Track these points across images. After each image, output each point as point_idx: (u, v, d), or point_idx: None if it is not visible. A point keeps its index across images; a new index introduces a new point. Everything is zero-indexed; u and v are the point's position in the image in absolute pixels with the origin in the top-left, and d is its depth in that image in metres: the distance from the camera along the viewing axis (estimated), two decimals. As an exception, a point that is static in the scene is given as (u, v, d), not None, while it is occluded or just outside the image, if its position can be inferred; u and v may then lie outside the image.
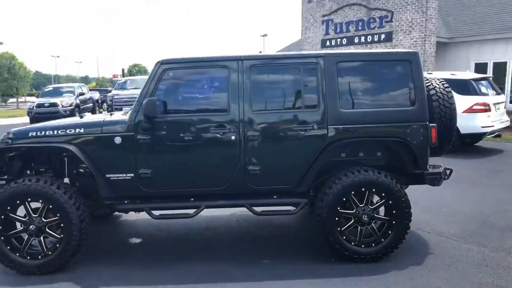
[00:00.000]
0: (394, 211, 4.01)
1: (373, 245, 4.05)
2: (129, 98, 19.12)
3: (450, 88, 4.49)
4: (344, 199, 3.99)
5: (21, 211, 3.98)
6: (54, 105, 17.68)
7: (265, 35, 63.98)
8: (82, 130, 4.06)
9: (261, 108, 4.04)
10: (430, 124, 4.09)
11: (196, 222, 5.35)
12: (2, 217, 3.90)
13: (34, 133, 4.10)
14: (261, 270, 3.97)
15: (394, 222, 4.02)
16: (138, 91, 17.35)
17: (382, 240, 4.04)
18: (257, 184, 4.07)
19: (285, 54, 4.40)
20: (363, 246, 4.04)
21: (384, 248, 4.04)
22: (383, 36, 15.98)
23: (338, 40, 17.61)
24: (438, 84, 4.44)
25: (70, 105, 17.95)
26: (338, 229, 4.01)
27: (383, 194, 4.00)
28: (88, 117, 4.59)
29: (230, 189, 4.09)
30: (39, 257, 3.94)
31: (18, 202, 3.90)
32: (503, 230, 4.83)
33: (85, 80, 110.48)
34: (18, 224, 4.03)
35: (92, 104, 21.02)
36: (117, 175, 4.03)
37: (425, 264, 4.00)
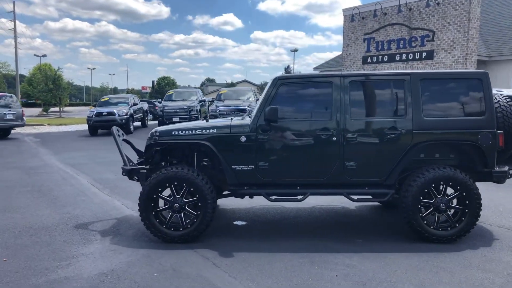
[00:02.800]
0: (467, 202, 4.90)
1: (449, 229, 4.94)
2: (178, 109, 20.59)
3: (512, 102, 5.38)
4: (426, 190, 4.90)
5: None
6: (111, 114, 19.09)
7: (296, 50, 65.30)
8: (215, 131, 5.13)
9: (358, 115, 5.03)
10: (498, 131, 5.00)
11: (285, 212, 6.36)
12: (154, 196, 5.00)
13: (176, 132, 5.21)
14: (357, 246, 4.91)
15: (467, 210, 4.91)
16: (184, 103, 19.00)
17: (457, 225, 4.93)
18: (353, 176, 5.04)
19: (378, 72, 5.40)
20: (440, 229, 4.94)
21: (458, 232, 4.93)
22: (424, 54, 16.80)
23: (380, 57, 18.50)
24: (501, 99, 5.34)
25: (126, 114, 19.33)
26: (420, 215, 4.92)
27: (458, 187, 4.90)
28: (214, 121, 5.67)
29: (330, 180, 5.07)
30: (180, 229, 5.00)
31: (166, 184, 4.98)
32: (556, 224, 5.64)
33: (115, 91, 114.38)
34: (161, 202, 5.11)
35: (142, 114, 22.45)
36: (241, 166, 5.07)
37: (493, 246, 4.87)
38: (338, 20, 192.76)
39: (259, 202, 6.70)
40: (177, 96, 22.65)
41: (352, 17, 19.46)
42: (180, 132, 5.21)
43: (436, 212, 4.97)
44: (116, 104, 20.60)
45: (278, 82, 5.11)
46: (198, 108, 21.33)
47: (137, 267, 4.27)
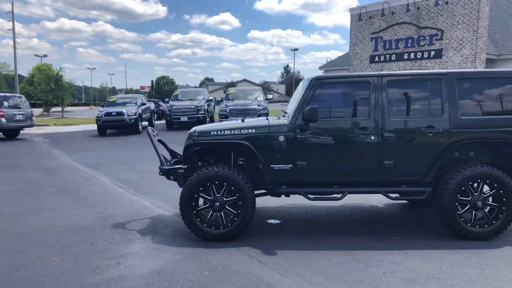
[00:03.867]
0: (504, 199, 4.98)
1: (486, 226, 5.02)
2: (186, 109, 20.66)
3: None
4: (463, 188, 4.98)
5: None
6: (120, 114, 19.12)
7: (296, 49, 65.40)
8: (254, 131, 5.19)
9: (395, 115, 5.10)
10: (534, 130, 5.08)
11: (315, 211, 6.43)
12: (195, 195, 5.06)
13: (215, 132, 5.27)
14: (395, 243, 4.98)
15: (504, 208, 4.99)
16: (192, 102, 19.08)
17: (494, 222, 5.01)
18: (391, 175, 5.11)
19: (414, 72, 5.46)
20: (477, 226, 5.02)
21: (495, 229, 5.00)
22: (432, 53, 16.90)
23: (387, 56, 18.60)
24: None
25: (135, 114, 19.36)
26: (457, 212, 5.00)
27: (495, 185, 4.98)
28: (250, 121, 5.72)
29: (368, 179, 5.14)
30: (221, 227, 5.07)
31: (208, 184, 5.05)
32: None
33: (113, 91, 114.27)
34: (201, 201, 5.17)
35: (149, 114, 22.49)
36: (279, 166, 5.14)
37: (530, 243, 4.95)
38: (335, 19, 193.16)
39: (287, 201, 6.77)
40: (184, 96, 22.69)
41: (359, 16, 19.54)
42: (219, 132, 5.27)
43: (473, 210, 5.05)
44: (124, 104, 20.62)
45: (316, 82, 5.17)
46: (206, 107, 21.38)
47: (186, 266, 4.33)
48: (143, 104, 21.36)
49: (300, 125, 5.09)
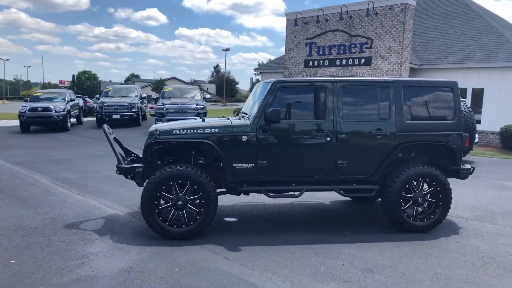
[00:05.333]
0: (440, 196, 5.57)
1: (425, 220, 5.57)
2: (119, 106, 20.02)
3: (471, 110, 6.18)
4: (406, 186, 5.49)
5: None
6: (47, 109, 18.03)
7: (228, 49, 65.71)
8: (217, 130, 5.30)
9: (349, 118, 5.48)
10: (464, 134, 5.73)
11: (269, 209, 6.68)
12: (158, 194, 5.05)
13: (178, 131, 5.30)
14: (347, 236, 5.36)
15: (440, 203, 5.58)
16: (125, 99, 18.64)
17: (432, 216, 5.58)
18: (344, 174, 5.49)
19: (367, 79, 5.88)
20: (418, 220, 5.56)
21: (433, 222, 5.57)
22: (363, 60, 17.99)
23: (321, 61, 19.45)
24: (464, 107, 6.11)
25: (63, 111, 18.36)
26: (402, 208, 5.50)
27: (434, 183, 5.55)
28: (212, 120, 5.80)
29: (323, 177, 5.47)
30: (183, 226, 5.11)
31: (171, 182, 5.06)
32: (500, 214, 6.56)
33: (27, 85, 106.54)
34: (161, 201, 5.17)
35: (78, 110, 21.42)
36: (241, 165, 5.30)
37: (461, 234, 5.58)
38: (263, 22, 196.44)
39: (240, 199, 6.94)
40: (115, 93, 21.88)
41: (295, 21, 20.20)
42: (182, 131, 5.30)
43: (414, 205, 5.58)
44: (51, 99, 19.43)
45: (277, 85, 5.40)
46: (139, 105, 20.85)
47: (153, 264, 4.33)
48: (71, 100, 20.30)
49: (262, 126, 5.29)
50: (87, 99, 31.80)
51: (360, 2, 17.93)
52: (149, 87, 75.06)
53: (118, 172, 5.56)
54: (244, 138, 5.28)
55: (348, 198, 7.27)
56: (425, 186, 5.64)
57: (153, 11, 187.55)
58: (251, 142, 5.29)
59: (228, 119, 5.84)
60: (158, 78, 79.29)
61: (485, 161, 12.36)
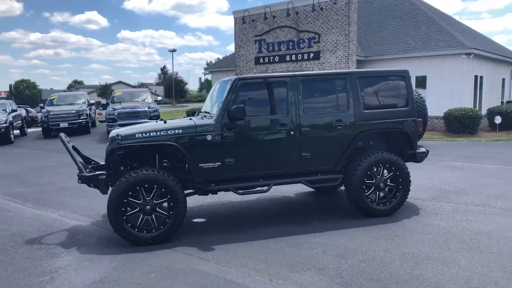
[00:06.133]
0: (400, 180, 5.83)
1: (387, 204, 5.82)
2: (66, 114, 19.27)
3: (423, 96, 6.51)
4: (368, 172, 5.70)
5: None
6: (-13, 121, 17.01)
7: (174, 50, 64.76)
8: (181, 131, 5.24)
9: (310, 111, 5.61)
10: (418, 119, 6.03)
11: (236, 206, 6.70)
12: (125, 201, 4.93)
13: (140, 134, 5.19)
14: (316, 227, 5.49)
15: (400, 187, 5.84)
16: (72, 107, 17.98)
17: (393, 200, 5.83)
18: (308, 166, 5.62)
19: (325, 72, 6.02)
20: (381, 205, 5.80)
21: (395, 205, 5.83)
22: (311, 54, 18.37)
23: (271, 58, 19.66)
24: (415, 94, 6.42)
25: (5, 122, 17.34)
26: (365, 194, 5.71)
27: (393, 168, 5.80)
28: (174, 122, 5.72)
29: (289, 171, 5.57)
30: (154, 230, 5.02)
31: (137, 188, 4.96)
32: (453, 193, 6.97)
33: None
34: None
35: (21, 121, 20.35)
36: (208, 164, 5.28)
37: (422, 214, 5.88)
38: (207, 21, 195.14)
39: (205, 199, 6.92)
40: (60, 101, 20.99)
41: (243, 19, 20.27)
42: (144, 134, 5.19)
43: (376, 191, 5.81)
44: (-10, 111, 18.34)
45: (239, 82, 5.42)
46: (88, 112, 20.15)
47: (128, 271, 4.24)
48: (13, 110, 19.25)
49: (226, 124, 5.29)
50: (29, 108, 30.26)
51: (306, -2, 18.30)
52: (95, 93, 72.49)
53: (80, 181, 5.37)
54: (209, 137, 5.27)
55: (312, 189, 7.43)
56: (385, 171, 5.88)
57: (93, 14, 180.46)
58: (216, 140, 5.29)
59: (190, 119, 5.79)
60: (104, 83, 76.67)
61: (432, 144, 13.03)
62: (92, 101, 22.80)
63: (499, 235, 4.94)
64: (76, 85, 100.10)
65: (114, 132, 5.36)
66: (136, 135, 5.20)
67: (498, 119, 16.00)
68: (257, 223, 5.79)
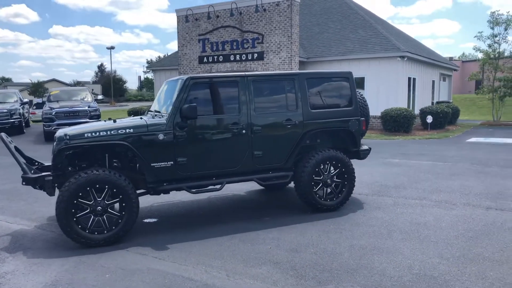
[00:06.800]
0: (346, 176, 6.15)
1: (334, 199, 6.11)
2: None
3: (364, 97, 6.90)
4: (316, 169, 5.96)
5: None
6: None
7: (113, 47, 62.63)
8: (131, 130, 5.18)
9: (261, 110, 5.76)
10: (361, 118, 6.39)
11: (188, 206, 6.71)
12: (75, 202, 4.80)
13: (89, 134, 5.06)
14: (267, 223, 5.65)
15: (346, 183, 6.16)
16: (4, 106, 17.05)
17: (339, 195, 6.14)
18: (260, 163, 5.77)
19: (275, 72, 6.18)
20: (328, 200, 6.08)
21: (341, 201, 6.14)
22: (255, 55, 18.62)
23: (215, 57, 19.68)
24: (358, 94, 6.78)
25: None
26: (314, 190, 5.96)
27: (339, 165, 6.10)
28: (125, 121, 5.62)
29: (241, 169, 5.69)
30: (105, 231, 4.93)
31: (88, 188, 4.84)
32: (393, 188, 7.45)
33: None
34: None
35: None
36: (160, 163, 5.27)
37: (366, 208, 6.24)
38: (146, 18, 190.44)
39: (156, 199, 6.86)
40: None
41: (186, 18, 20.10)
42: (94, 133, 5.07)
43: (324, 187, 6.08)
44: None
45: (190, 81, 5.45)
46: (21, 111, 19.05)
47: (81, 273, 4.14)
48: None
49: (178, 123, 5.30)
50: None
51: (249, -2, 18.51)
52: (26, 91, 68.33)
53: (24, 183, 5.14)
54: (161, 136, 5.25)
55: (262, 187, 7.61)
56: (332, 168, 6.16)
57: (21, 8, 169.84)
58: (168, 140, 5.28)
59: (141, 118, 5.73)
60: (36, 81, 72.47)
61: (371, 142, 13.71)
62: (26, 100, 21.57)
63: (435, 226, 5.37)
64: (3, 82, 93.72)
65: (61, 132, 5.18)
66: (85, 135, 5.07)
67: (429, 119, 17.17)
68: (210, 222, 5.85)
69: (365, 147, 6.65)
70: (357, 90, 6.88)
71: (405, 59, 17.82)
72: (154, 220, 6.01)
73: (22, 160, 5.34)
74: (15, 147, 5.42)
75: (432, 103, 22.24)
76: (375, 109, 17.65)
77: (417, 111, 18.97)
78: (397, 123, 16.26)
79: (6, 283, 3.95)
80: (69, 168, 5.35)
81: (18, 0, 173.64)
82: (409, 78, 18.99)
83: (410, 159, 10.46)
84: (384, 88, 17.98)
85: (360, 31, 20.09)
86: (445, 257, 4.38)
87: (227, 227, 5.52)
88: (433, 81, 23.08)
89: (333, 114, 6.18)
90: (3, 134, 5.33)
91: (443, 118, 17.77)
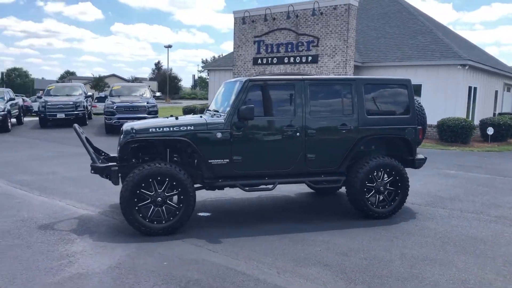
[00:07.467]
0: (399, 184, 6.09)
1: (386, 207, 6.08)
2: (64, 105, 19.29)
3: (422, 105, 6.79)
4: (370, 176, 5.95)
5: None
6: (-15, 110, 17.01)
7: (170, 46, 64.67)
8: (192, 128, 5.44)
9: (316, 114, 5.84)
10: (418, 127, 6.31)
11: (239, 203, 6.92)
12: (137, 192, 5.12)
13: (154, 129, 5.38)
14: (318, 225, 5.73)
15: (399, 191, 6.10)
16: (70, 98, 18.03)
17: (392, 203, 6.09)
18: (313, 166, 5.85)
19: (331, 77, 6.27)
20: (380, 207, 6.05)
21: (393, 209, 6.09)
22: (310, 58, 18.64)
23: (269, 59, 19.89)
24: (416, 102, 6.69)
25: (3, 111, 17.36)
26: (366, 196, 5.96)
27: (393, 173, 6.06)
28: (185, 118, 5.92)
29: (294, 170, 5.80)
30: (163, 222, 5.22)
31: (150, 180, 5.14)
32: (448, 199, 7.27)
33: None
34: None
35: (18, 110, 20.32)
36: (217, 160, 5.49)
37: (418, 218, 6.15)
38: (202, 18, 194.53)
39: (208, 194, 7.10)
40: (58, 91, 21.00)
41: (243, 19, 20.47)
42: (158, 129, 5.38)
43: (376, 194, 6.06)
44: (-13, 99, 18.32)
45: (249, 83, 5.64)
46: (85, 103, 20.17)
47: (141, 259, 4.43)
48: (11, 99, 19.24)
49: (236, 123, 5.50)
50: (24, 98, 30.11)
51: (306, 1, 18.52)
52: (88, 84, 72.07)
53: (93, 171, 5.54)
54: (218, 134, 5.47)
55: (312, 190, 7.68)
56: (385, 176, 6.12)
57: (87, 6, 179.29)
58: (225, 138, 5.49)
59: (201, 116, 5.99)
60: (97, 76, 76.26)
61: (426, 152, 13.28)
62: (89, 93, 22.81)
63: (493, 241, 5.22)
64: (68, 76, 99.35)
65: (128, 125, 5.53)
66: (150, 130, 5.39)
67: (490, 130, 16.43)
68: (260, 220, 6.00)
69: (420, 156, 6.55)
70: (415, 98, 6.80)
71: (467, 67, 17.17)
72: (207, 214, 6.26)
73: (91, 150, 5.75)
74: (86, 138, 5.85)
75: (494, 114, 21.23)
76: (431, 118, 17.05)
77: (476, 122, 18.19)
78: (454, 133, 15.70)
79: (76, 262, 4.30)
80: (133, 160, 5.69)
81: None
82: (470, 87, 18.26)
83: (467, 171, 10.11)
84: (441, 97, 17.41)
85: (419, 37, 19.56)
86: (502, 274, 4.26)
87: (278, 227, 5.65)
88: (496, 91, 22.03)
89: (389, 121, 6.15)
90: (76, 125, 5.77)
91: (505, 131, 16.93)
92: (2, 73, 78.97)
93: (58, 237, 5.03)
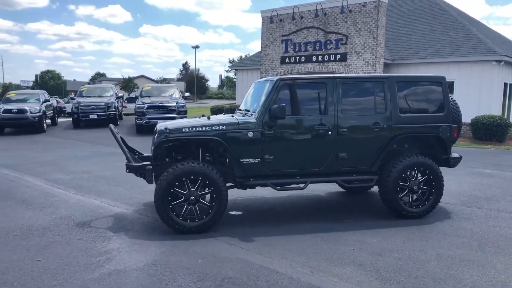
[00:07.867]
0: (434, 183, 5.96)
1: (420, 206, 5.97)
2: (96, 105, 19.79)
3: (457, 103, 6.63)
4: (403, 175, 5.86)
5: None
6: (22, 111, 17.64)
7: (197, 46, 65.32)
8: (224, 127, 5.50)
9: (348, 112, 5.80)
10: (453, 125, 6.16)
11: (270, 202, 6.94)
12: (171, 190, 5.21)
13: (187, 129, 5.47)
14: (350, 225, 5.69)
15: (433, 191, 5.98)
16: (102, 99, 18.47)
17: (426, 203, 5.98)
18: (344, 165, 5.81)
19: (363, 75, 6.21)
20: (414, 207, 5.95)
21: (427, 208, 5.98)
22: (338, 56, 18.48)
23: (297, 58, 19.83)
24: (451, 100, 6.54)
25: (39, 112, 17.98)
26: (399, 196, 5.87)
27: (427, 172, 5.94)
28: (217, 118, 5.99)
29: (325, 170, 5.77)
30: (196, 220, 5.29)
31: (183, 179, 5.23)
32: (484, 199, 7.07)
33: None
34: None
35: (52, 111, 21.00)
36: (248, 160, 5.53)
37: (453, 218, 6.01)
38: (229, 18, 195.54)
39: (239, 193, 7.16)
40: (90, 92, 21.56)
41: (270, 18, 20.48)
42: (190, 129, 5.47)
43: (410, 193, 5.96)
44: (25, 100, 19.02)
45: (280, 83, 5.65)
46: (116, 104, 20.64)
47: (176, 256, 4.51)
48: (46, 100, 19.90)
49: (267, 122, 5.53)
50: (58, 99, 31.07)
51: (335, -1, 18.39)
52: (118, 85, 73.61)
53: (128, 170, 5.68)
54: (250, 134, 5.51)
55: (342, 190, 7.62)
56: (419, 175, 6.01)
57: (116, 8, 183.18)
58: (257, 138, 5.52)
59: (232, 116, 6.04)
60: (127, 77, 77.82)
61: (459, 150, 12.92)
62: (120, 94, 23.33)
63: (532, 242, 5.06)
64: (99, 77, 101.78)
65: (162, 125, 5.64)
66: (183, 129, 5.48)
67: (526, 128, 15.86)
68: (292, 219, 6.01)
69: (455, 154, 6.40)
70: (450, 96, 6.64)
71: (502, 63, 16.63)
72: (239, 213, 6.31)
73: (126, 149, 5.89)
74: (121, 138, 5.99)
75: (530, 111, 20.46)
76: (465, 116, 16.46)
77: (512, 120, 17.62)
78: (489, 131, 15.24)
79: (113, 258, 4.43)
80: (167, 159, 5.80)
81: (114, 1, 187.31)
82: (505, 84, 17.68)
83: (504, 171, 9.81)
84: (475, 94, 16.92)
85: (451, 33, 19.08)
86: (543, 275, 4.13)
87: (309, 226, 5.64)
88: (533, 88, 21.22)
89: (423, 119, 6.03)
90: (111, 126, 5.92)
91: (542, 128, 16.31)
92: (37, 76, 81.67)
93: (95, 234, 5.18)
